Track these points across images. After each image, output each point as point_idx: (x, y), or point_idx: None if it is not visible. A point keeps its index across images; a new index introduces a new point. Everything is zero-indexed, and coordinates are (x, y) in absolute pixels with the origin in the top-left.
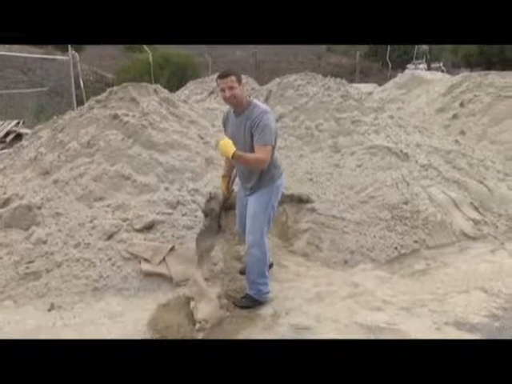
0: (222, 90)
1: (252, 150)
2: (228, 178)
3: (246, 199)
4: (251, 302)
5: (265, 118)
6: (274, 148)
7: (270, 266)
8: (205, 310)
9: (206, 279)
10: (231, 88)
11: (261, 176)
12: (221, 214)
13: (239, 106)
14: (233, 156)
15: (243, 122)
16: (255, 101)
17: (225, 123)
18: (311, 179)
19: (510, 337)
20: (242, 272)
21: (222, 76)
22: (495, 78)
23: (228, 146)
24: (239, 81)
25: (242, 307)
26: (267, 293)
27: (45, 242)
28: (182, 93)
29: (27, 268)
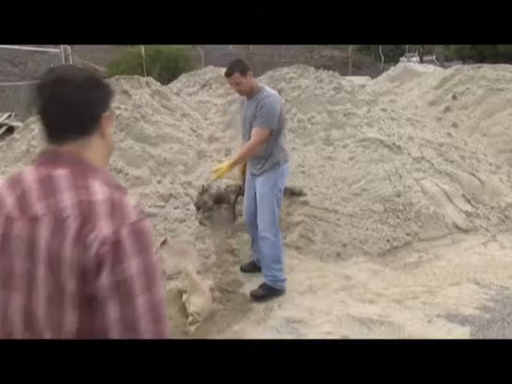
0: (231, 85)
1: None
2: (243, 164)
3: (254, 181)
4: (267, 291)
5: (267, 102)
6: (279, 132)
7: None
8: (197, 303)
9: (199, 272)
10: (237, 84)
11: (267, 160)
12: (235, 203)
13: (249, 94)
14: (232, 165)
15: (252, 105)
16: (265, 87)
17: (242, 107)
18: (304, 172)
19: (500, 328)
20: (244, 269)
21: (226, 75)
22: (487, 70)
23: (219, 169)
24: (244, 73)
25: (258, 297)
26: (283, 280)
27: None
28: (174, 86)
29: None
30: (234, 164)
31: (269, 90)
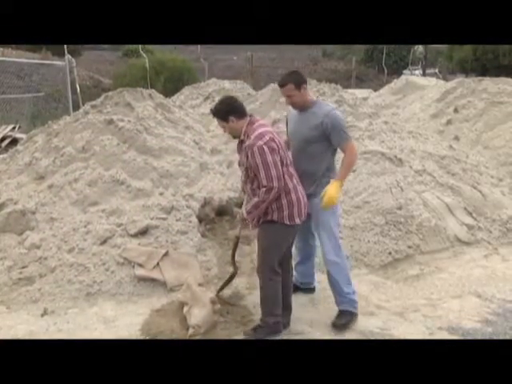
0: (284, 97)
1: (311, 143)
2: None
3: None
4: (350, 316)
5: (336, 118)
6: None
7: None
8: (198, 315)
9: (200, 284)
10: (289, 96)
11: (323, 177)
12: (234, 255)
13: (302, 107)
14: (340, 186)
15: (308, 118)
16: (320, 100)
17: (287, 121)
18: None
19: None
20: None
21: (280, 85)
22: (489, 83)
23: (331, 197)
24: (298, 86)
25: (341, 326)
26: (357, 302)
27: (38, 247)
28: (178, 98)
29: (20, 273)
30: (342, 185)
31: (325, 104)
